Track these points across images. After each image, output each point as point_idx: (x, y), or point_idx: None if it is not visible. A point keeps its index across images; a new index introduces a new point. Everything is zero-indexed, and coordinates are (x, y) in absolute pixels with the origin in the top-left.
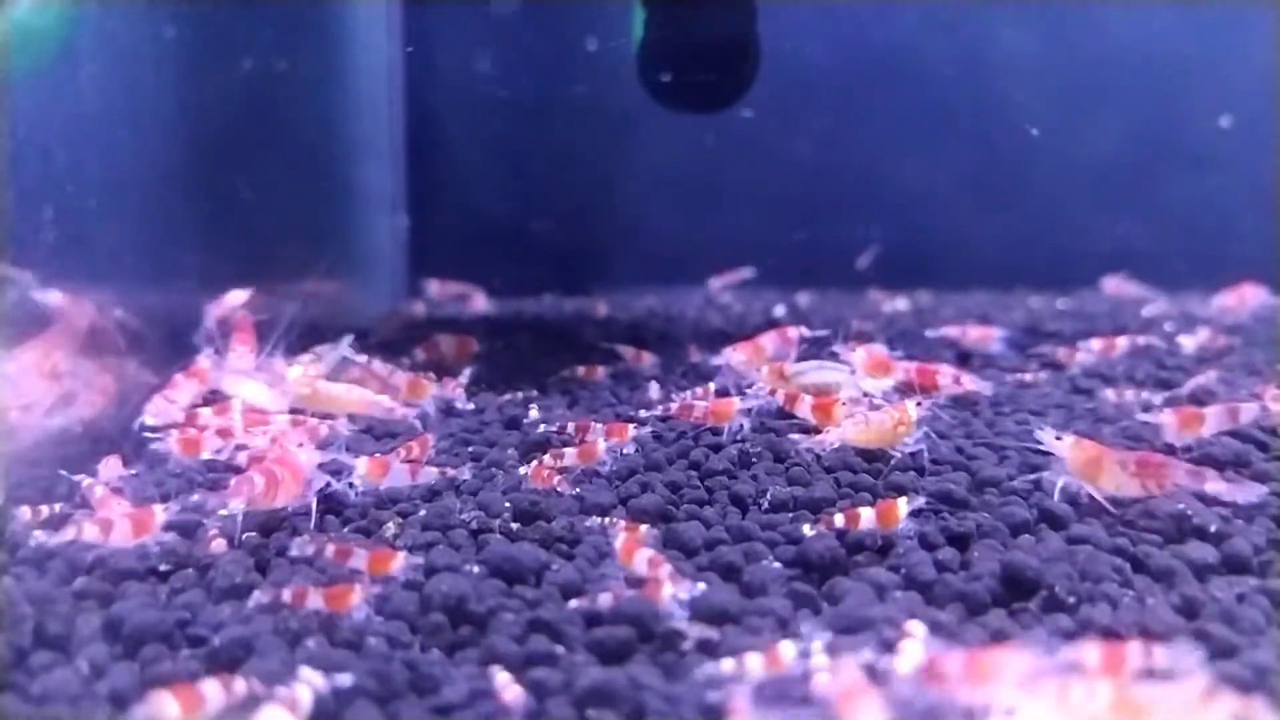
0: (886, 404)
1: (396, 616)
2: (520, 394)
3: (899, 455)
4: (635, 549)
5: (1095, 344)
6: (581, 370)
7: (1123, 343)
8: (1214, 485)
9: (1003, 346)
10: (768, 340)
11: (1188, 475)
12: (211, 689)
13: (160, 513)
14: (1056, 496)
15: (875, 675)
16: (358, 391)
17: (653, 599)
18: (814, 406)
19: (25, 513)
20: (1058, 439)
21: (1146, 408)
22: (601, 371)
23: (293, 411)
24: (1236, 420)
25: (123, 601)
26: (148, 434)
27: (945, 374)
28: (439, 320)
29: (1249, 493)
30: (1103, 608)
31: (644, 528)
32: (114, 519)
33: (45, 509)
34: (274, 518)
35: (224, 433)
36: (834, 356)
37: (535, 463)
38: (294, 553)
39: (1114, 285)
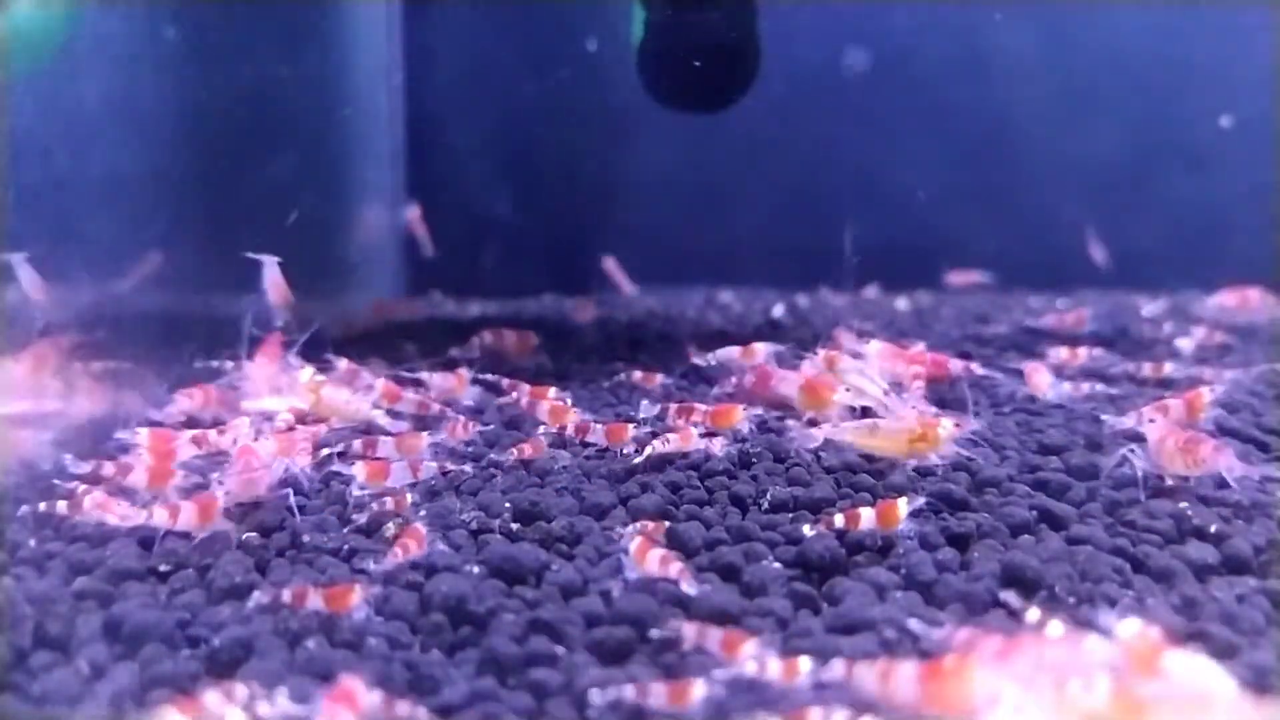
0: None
1: (396, 617)
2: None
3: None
4: (649, 549)
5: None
6: (639, 375)
7: (1083, 352)
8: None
9: (1096, 329)
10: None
11: (1213, 451)
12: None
13: (222, 497)
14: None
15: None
16: (357, 402)
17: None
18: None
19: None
20: (1151, 421)
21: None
22: (660, 378)
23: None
24: None
25: (123, 602)
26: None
27: (956, 364)
28: (422, 321)
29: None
30: (1103, 608)
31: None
32: (180, 504)
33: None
34: (273, 519)
35: (198, 440)
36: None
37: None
38: (251, 604)
39: (956, 277)
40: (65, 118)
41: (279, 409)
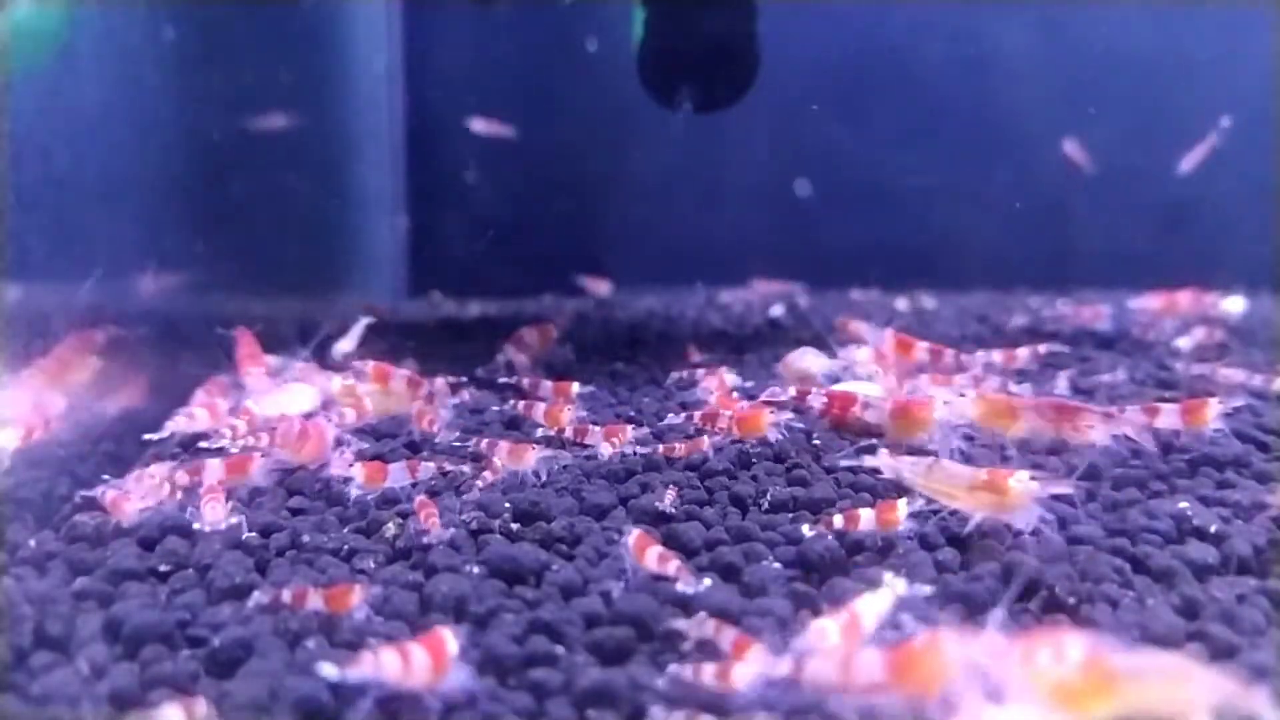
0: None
1: (396, 617)
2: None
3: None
4: (647, 545)
5: (996, 355)
6: (702, 371)
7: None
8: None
9: (1111, 324)
10: None
11: (1100, 419)
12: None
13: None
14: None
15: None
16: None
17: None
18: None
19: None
20: (961, 395)
21: None
22: (724, 370)
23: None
24: None
25: (123, 602)
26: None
27: (920, 347)
28: (419, 321)
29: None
30: (1103, 608)
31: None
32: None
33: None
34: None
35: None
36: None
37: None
38: (251, 604)
39: (761, 286)
40: (65, 118)
41: (294, 408)
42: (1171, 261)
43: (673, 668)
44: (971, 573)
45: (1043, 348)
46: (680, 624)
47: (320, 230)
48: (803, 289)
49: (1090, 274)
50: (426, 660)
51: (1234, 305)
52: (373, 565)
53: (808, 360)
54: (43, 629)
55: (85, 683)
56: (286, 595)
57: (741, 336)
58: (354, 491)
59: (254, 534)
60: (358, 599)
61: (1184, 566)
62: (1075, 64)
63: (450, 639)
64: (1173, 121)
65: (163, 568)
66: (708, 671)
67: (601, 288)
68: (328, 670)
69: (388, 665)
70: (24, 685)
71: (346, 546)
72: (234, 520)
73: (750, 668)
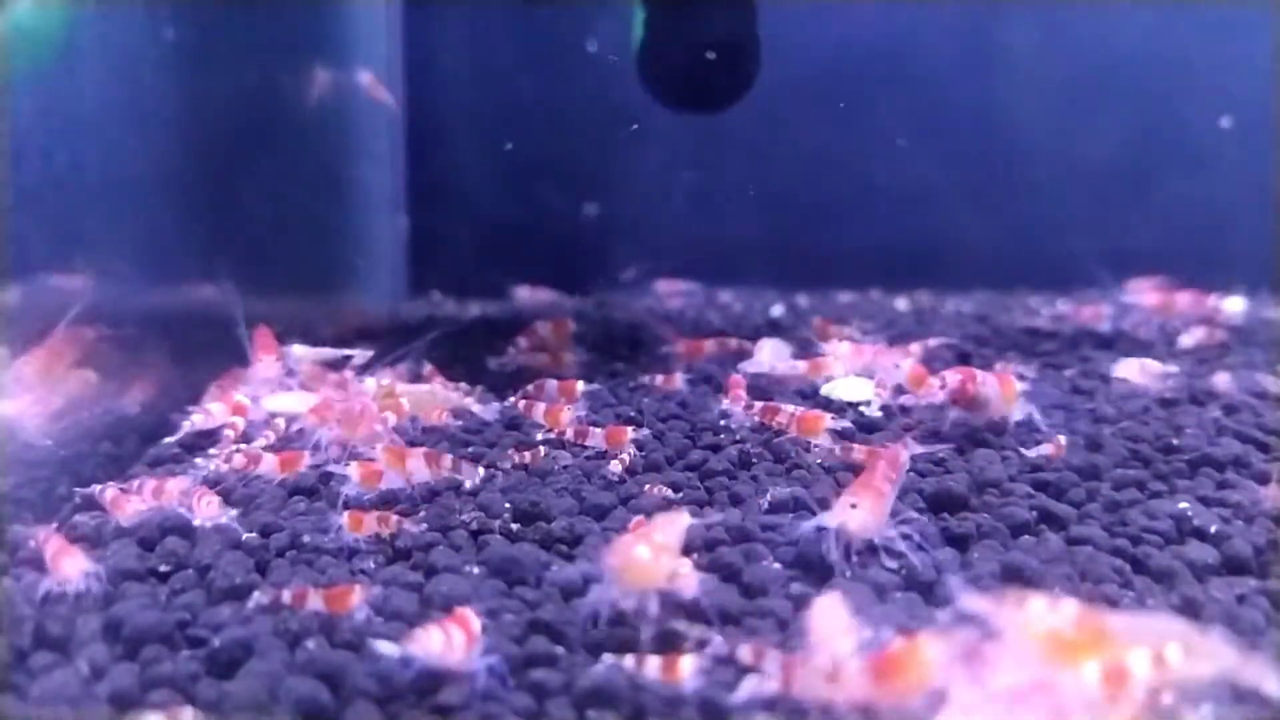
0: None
1: (396, 617)
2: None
3: None
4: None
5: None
6: (660, 379)
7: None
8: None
9: (1111, 325)
10: None
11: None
12: None
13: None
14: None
15: None
16: (441, 393)
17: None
18: None
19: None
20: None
21: None
22: (679, 379)
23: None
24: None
25: (123, 602)
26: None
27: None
28: (417, 320)
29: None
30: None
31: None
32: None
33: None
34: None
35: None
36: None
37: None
38: (251, 604)
39: (665, 285)
40: (65, 118)
41: (298, 408)
42: (1171, 261)
43: (610, 658)
44: (972, 573)
45: (932, 341)
46: (680, 626)
47: (320, 230)
48: (701, 288)
49: (1089, 274)
50: (462, 637)
51: (1234, 305)
52: (373, 565)
53: (765, 353)
54: (43, 629)
55: (85, 683)
56: (286, 595)
57: (741, 336)
58: (350, 491)
59: (254, 534)
60: (358, 599)
61: (1184, 566)
62: (1075, 64)
63: (473, 617)
64: (1173, 121)
65: (163, 568)
66: (652, 665)
67: (541, 295)
68: (385, 648)
69: (435, 642)
70: (24, 685)
71: (346, 546)
72: (230, 515)
73: (692, 661)
